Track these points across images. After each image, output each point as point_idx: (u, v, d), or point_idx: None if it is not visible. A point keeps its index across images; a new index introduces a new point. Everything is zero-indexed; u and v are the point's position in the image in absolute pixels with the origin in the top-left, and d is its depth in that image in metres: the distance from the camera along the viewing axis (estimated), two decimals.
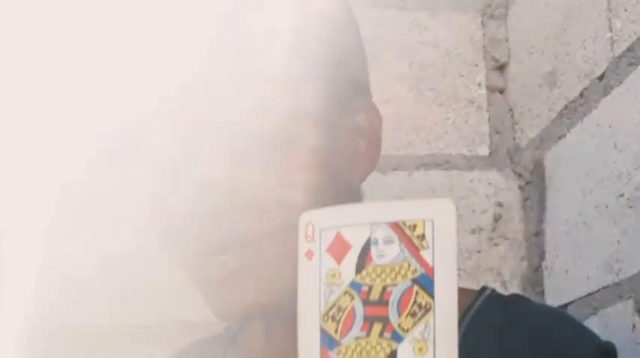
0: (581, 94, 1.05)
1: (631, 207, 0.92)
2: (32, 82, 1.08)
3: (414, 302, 0.45)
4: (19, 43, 1.07)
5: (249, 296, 0.65)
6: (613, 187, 0.96)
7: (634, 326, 0.90)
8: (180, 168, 0.67)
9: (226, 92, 0.65)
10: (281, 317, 0.65)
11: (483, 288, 0.72)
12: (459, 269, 1.19)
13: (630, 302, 0.92)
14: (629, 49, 0.94)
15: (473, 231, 1.21)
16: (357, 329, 0.46)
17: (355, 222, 0.47)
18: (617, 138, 0.96)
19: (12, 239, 1.01)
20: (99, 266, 1.10)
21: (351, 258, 0.46)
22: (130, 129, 0.72)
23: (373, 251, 0.46)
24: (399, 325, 0.45)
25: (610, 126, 0.98)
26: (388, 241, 0.46)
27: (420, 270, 0.46)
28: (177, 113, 0.67)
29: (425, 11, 1.27)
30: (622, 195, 0.94)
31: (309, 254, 0.47)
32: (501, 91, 1.27)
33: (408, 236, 0.46)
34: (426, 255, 0.46)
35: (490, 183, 1.23)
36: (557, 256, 1.11)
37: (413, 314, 0.45)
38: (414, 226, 0.46)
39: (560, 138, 1.11)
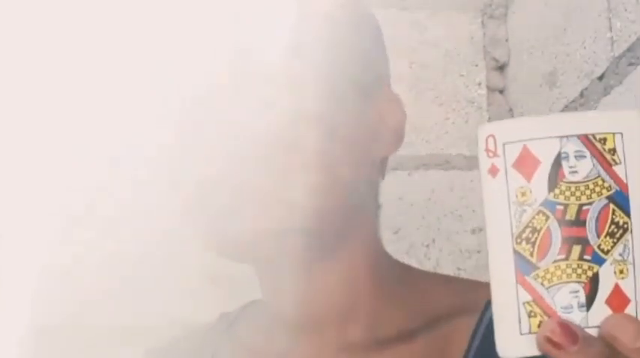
0: (581, 94, 1.05)
1: None
2: (32, 82, 1.08)
3: (612, 221, 0.43)
4: (19, 45, 1.07)
5: (261, 224, 0.64)
6: None
7: None
8: (180, 169, 0.67)
9: (227, 92, 0.65)
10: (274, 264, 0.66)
11: None
12: (459, 269, 1.19)
13: None
14: (629, 49, 0.93)
15: (473, 231, 1.21)
16: (554, 252, 0.43)
17: (542, 134, 0.43)
18: None
19: (12, 239, 1.01)
20: (99, 266, 1.10)
21: (542, 174, 0.43)
22: (130, 129, 0.72)
23: (565, 166, 0.43)
24: (599, 246, 0.43)
25: None
26: (580, 156, 0.43)
27: (615, 187, 0.43)
28: (177, 113, 0.67)
29: (425, 11, 1.27)
30: None
31: (494, 170, 0.43)
32: (501, 91, 1.27)
33: (599, 150, 0.43)
34: (618, 170, 0.43)
35: None
36: None
37: (612, 235, 0.43)
38: (605, 140, 0.43)
39: None
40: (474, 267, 1.20)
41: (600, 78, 1.00)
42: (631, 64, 0.93)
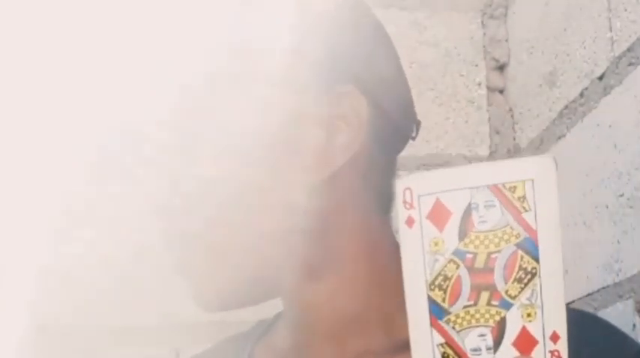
0: (581, 94, 1.05)
1: (631, 207, 0.92)
2: (32, 82, 1.08)
3: (520, 267, 0.45)
4: (19, 45, 1.07)
5: (221, 284, 0.66)
6: (613, 187, 0.96)
7: (634, 326, 0.90)
8: (180, 169, 0.67)
9: (227, 92, 0.65)
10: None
11: None
12: None
13: (630, 302, 0.92)
14: (629, 49, 0.94)
15: None
16: (464, 298, 0.45)
17: (454, 186, 0.46)
18: (617, 138, 0.96)
19: (12, 239, 1.01)
20: (99, 266, 1.10)
21: (453, 224, 0.45)
22: (131, 129, 0.72)
23: (475, 216, 0.45)
24: (507, 292, 0.45)
25: (610, 126, 0.98)
26: (489, 205, 0.45)
27: (524, 234, 0.45)
28: (177, 113, 0.67)
29: (425, 11, 1.27)
30: (622, 195, 0.94)
31: (410, 221, 0.46)
32: (501, 91, 1.27)
33: (508, 198, 0.45)
34: (528, 217, 0.45)
35: None
36: None
37: (519, 280, 0.45)
38: (515, 188, 0.45)
39: (560, 138, 1.11)
40: None
41: (600, 78, 1.00)
42: (631, 64, 0.93)
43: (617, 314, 0.93)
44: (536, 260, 0.45)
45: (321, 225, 0.66)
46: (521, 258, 0.45)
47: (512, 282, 0.45)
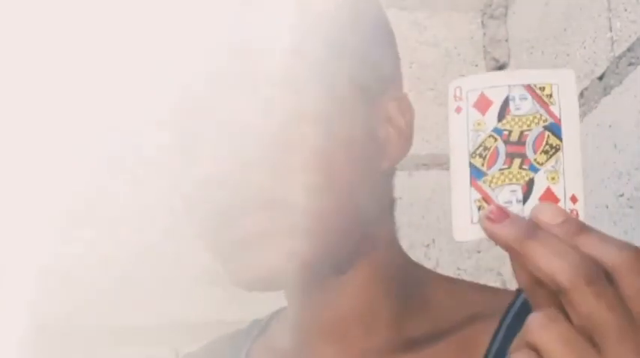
0: (581, 94, 1.05)
1: (631, 207, 0.92)
2: (33, 82, 1.08)
3: (547, 142, 0.53)
4: (19, 45, 1.07)
5: (272, 260, 0.65)
6: (613, 187, 0.96)
7: None
8: (180, 169, 0.67)
9: (227, 92, 0.65)
10: (301, 288, 0.67)
11: (519, 290, 0.73)
12: (459, 269, 1.19)
13: None
14: (629, 49, 0.94)
15: None
16: (500, 163, 0.53)
17: (495, 84, 0.55)
18: (617, 138, 0.96)
19: (12, 239, 1.01)
20: (99, 266, 1.10)
21: (494, 110, 0.54)
22: (131, 129, 0.72)
23: (511, 105, 0.54)
24: (535, 159, 0.53)
25: (610, 126, 0.98)
26: (523, 98, 0.54)
27: (550, 120, 0.54)
28: (178, 113, 0.67)
29: (425, 11, 1.27)
30: (622, 195, 0.94)
31: (458, 109, 0.54)
32: None
33: (538, 94, 0.54)
34: (554, 109, 0.54)
35: None
36: None
37: (546, 152, 0.53)
38: (544, 87, 0.54)
39: None
40: (474, 267, 1.20)
41: (600, 78, 1.00)
42: (631, 64, 0.93)
43: None
44: (560, 139, 0.54)
45: (324, 225, 0.66)
46: (548, 136, 0.54)
47: (540, 153, 0.53)
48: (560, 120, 0.54)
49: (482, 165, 0.54)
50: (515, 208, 0.53)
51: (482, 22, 1.28)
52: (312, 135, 0.65)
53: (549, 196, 0.53)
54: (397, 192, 0.78)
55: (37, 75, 1.08)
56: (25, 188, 1.06)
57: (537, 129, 0.54)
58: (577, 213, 0.54)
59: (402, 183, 1.18)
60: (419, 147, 1.21)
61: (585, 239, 0.51)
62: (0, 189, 1.04)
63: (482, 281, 1.16)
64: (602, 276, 0.49)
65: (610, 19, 0.98)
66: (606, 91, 0.98)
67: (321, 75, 0.66)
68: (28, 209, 1.05)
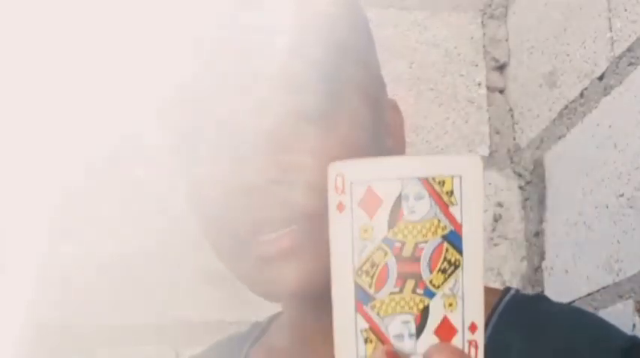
0: (581, 94, 1.05)
1: (631, 207, 0.92)
2: (33, 81, 1.08)
3: (444, 258, 0.47)
4: (19, 45, 1.07)
5: (300, 274, 0.64)
6: (613, 187, 0.96)
7: (634, 326, 0.90)
8: (180, 169, 0.67)
9: (226, 92, 0.65)
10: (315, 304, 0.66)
11: (507, 288, 0.73)
12: None
13: (630, 302, 0.92)
14: (629, 49, 0.94)
15: None
16: (391, 285, 0.47)
17: (386, 176, 0.47)
18: (617, 138, 0.96)
19: (12, 239, 1.01)
20: (99, 266, 1.10)
21: (383, 213, 0.47)
22: (130, 129, 0.72)
23: (405, 206, 0.47)
24: (431, 281, 0.47)
25: (610, 126, 0.98)
26: (419, 197, 0.47)
27: (450, 227, 0.47)
28: (177, 113, 0.67)
29: (425, 11, 1.27)
30: (622, 195, 0.94)
31: (341, 207, 0.47)
32: (501, 91, 1.27)
33: (437, 192, 0.47)
34: (454, 211, 0.47)
35: (490, 183, 1.23)
36: (557, 256, 1.11)
37: (443, 271, 0.47)
38: (443, 182, 0.47)
39: (560, 138, 1.11)
40: None
41: (600, 78, 1.00)
42: (631, 64, 0.93)
43: (617, 314, 0.93)
44: (460, 253, 0.47)
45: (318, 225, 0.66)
46: (447, 250, 0.47)
47: (437, 273, 0.47)
48: (461, 226, 0.47)
49: (370, 286, 0.47)
50: (408, 345, 0.47)
51: (482, 22, 1.28)
52: (312, 135, 0.65)
53: (446, 328, 0.47)
54: None
55: (38, 75, 1.08)
56: (26, 188, 1.06)
57: (435, 241, 0.47)
58: (476, 344, 0.47)
59: None
60: (419, 147, 1.21)
61: None
62: (0, 190, 1.04)
63: None
64: None
65: (610, 19, 0.98)
66: (606, 91, 0.98)
67: (321, 75, 0.66)
68: (27, 209, 1.05)
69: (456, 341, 0.47)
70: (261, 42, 0.65)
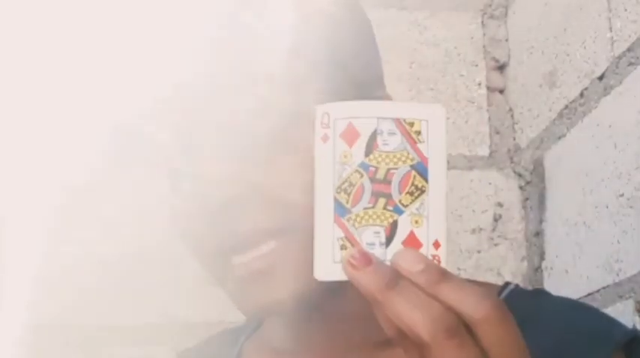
0: (581, 94, 1.05)
1: (631, 207, 0.92)
2: (34, 81, 1.08)
3: (412, 183, 0.54)
4: (19, 44, 1.07)
5: (276, 294, 0.65)
6: (613, 187, 0.96)
7: (634, 326, 0.90)
8: (180, 169, 0.67)
9: (226, 92, 0.65)
10: (301, 314, 0.67)
11: (507, 283, 0.73)
12: (459, 269, 1.19)
13: (630, 302, 0.92)
14: (629, 49, 0.94)
15: (473, 231, 1.21)
16: (365, 201, 0.54)
17: (364, 114, 0.55)
18: (617, 138, 0.96)
19: (12, 239, 1.01)
20: (99, 266, 1.10)
21: (361, 143, 0.54)
22: (131, 129, 0.72)
23: (379, 139, 0.54)
24: (400, 201, 0.54)
25: (610, 126, 0.98)
26: (391, 133, 0.54)
27: (417, 159, 0.54)
28: (177, 113, 0.67)
29: (425, 11, 1.27)
30: (622, 195, 0.94)
31: (325, 138, 0.54)
32: (501, 91, 1.27)
33: (407, 130, 0.55)
34: (422, 147, 0.54)
35: (490, 183, 1.23)
36: (557, 256, 1.11)
37: (411, 193, 0.54)
38: (413, 123, 0.55)
39: (560, 138, 1.11)
40: (474, 267, 1.20)
41: (600, 78, 1.00)
42: (631, 64, 0.93)
43: (617, 314, 0.93)
44: (426, 180, 0.54)
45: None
46: (414, 177, 0.54)
47: (405, 194, 0.54)
48: (427, 159, 0.54)
49: (347, 202, 0.54)
50: (378, 251, 0.53)
51: (482, 22, 1.28)
52: (312, 135, 0.65)
53: (412, 241, 0.53)
54: None
55: (38, 74, 1.08)
56: (25, 188, 1.06)
57: (404, 169, 0.54)
58: (439, 259, 0.53)
59: None
60: None
61: (445, 288, 0.50)
62: (0, 190, 1.04)
63: None
64: (461, 328, 0.49)
65: (610, 19, 0.98)
66: (606, 91, 0.98)
67: (321, 75, 0.66)
68: (27, 209, 1.05)
69: (421, 252, 0.53)
70: (261, 42, 0.65)
